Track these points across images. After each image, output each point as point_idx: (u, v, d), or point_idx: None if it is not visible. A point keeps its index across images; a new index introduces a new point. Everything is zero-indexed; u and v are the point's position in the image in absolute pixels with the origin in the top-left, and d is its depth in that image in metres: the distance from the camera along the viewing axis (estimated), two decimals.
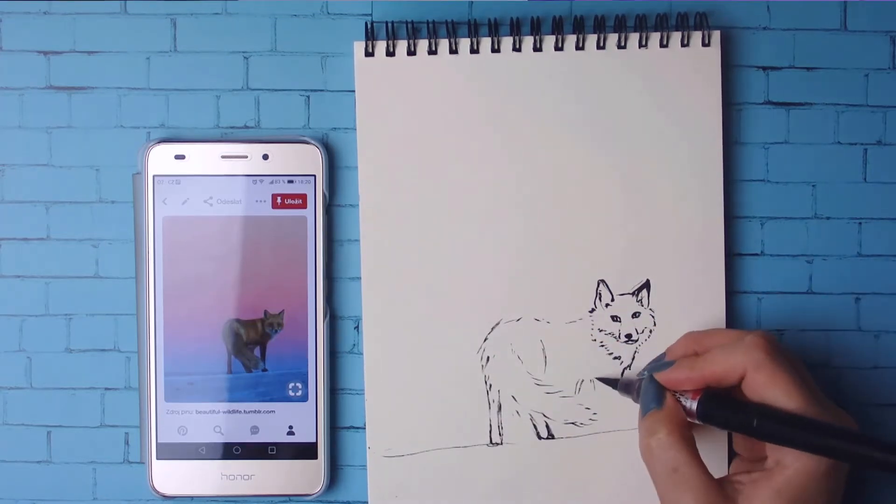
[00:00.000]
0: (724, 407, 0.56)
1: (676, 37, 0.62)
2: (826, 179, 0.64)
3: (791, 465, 0.54)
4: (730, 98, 0.63)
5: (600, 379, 0.62)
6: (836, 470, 0.54)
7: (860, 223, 0.64)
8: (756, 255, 0.64)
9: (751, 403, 0.55)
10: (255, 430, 0.63)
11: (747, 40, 0.64)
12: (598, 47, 0.62)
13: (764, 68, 0.64)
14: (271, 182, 0.63)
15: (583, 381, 0.62)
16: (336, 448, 0.64)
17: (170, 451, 0.62)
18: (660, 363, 0.59)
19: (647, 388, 0.58)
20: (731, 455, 0.62)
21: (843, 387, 0.64)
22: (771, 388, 0.54)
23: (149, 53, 0.64)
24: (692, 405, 0.56)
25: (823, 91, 0.64)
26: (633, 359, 0.62)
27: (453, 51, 0.62)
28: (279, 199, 0.63)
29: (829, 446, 0.53)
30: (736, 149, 0.63)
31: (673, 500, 0.55)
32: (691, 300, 0.62)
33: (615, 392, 0.62)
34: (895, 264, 0.64)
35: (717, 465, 0.61)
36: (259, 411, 0.63)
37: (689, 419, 0.57)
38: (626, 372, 0.62)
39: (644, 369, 0.62)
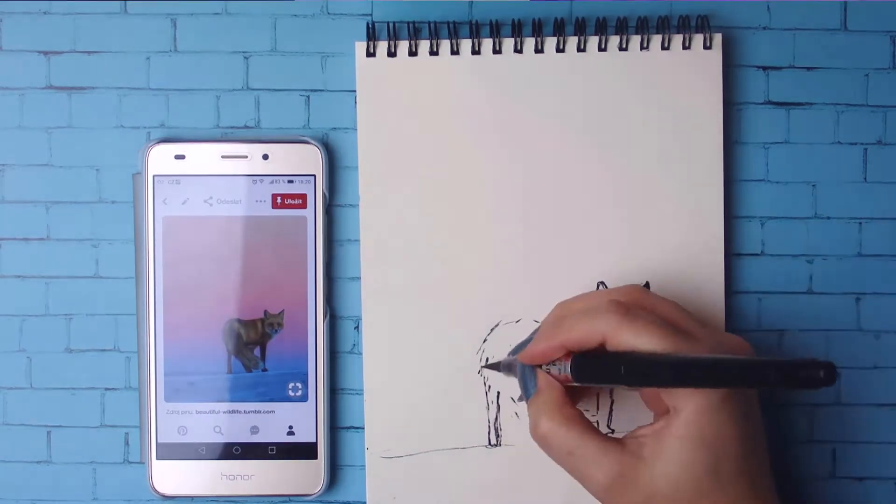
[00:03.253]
0: (594, 363, 0.54)
1: (678, 39, 0.62)
2: (826, 179, 0.64)
3: (684, 406, 0.52)
4: (730, 98, 0.63)
5: (487, 366, 0.62)
6: (735, 398, 0.52)
7: (860, 223, 0.64)
8: (756, 255, 0.64)
9: (620, 353, 0.53)
10: (255, 430, 0.63)
11: (747, 40, 0.64)
12: (600, 49, 0.62)
13: (764, 68, 0.64)
14: (271, 182, 0.63)
15: None
16: (336, 448, 0.64)
17: (170, 451, 0.62)
18: (523, 341, 0.59)
19: (520, 369, 0.58)
20: None
21: (843, 387, 0.64)
22: (635, 343, 0.52)
23: (149, 53, 0.64)
24: (565, 368, 0.55)
25: (823, 91, 0.64)
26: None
27: (454, 52, 0.62)
28: (279, 199, 0.63)
29: (692, 376, 0.50)
30: (736, 149, 0.63)
31: (578, 476, 0.54)
32: (691, 300, 0.62)
33: (615, 393, 0.62)
34: (895, 264, 0.64)
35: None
36: (259, 411, 0.63)
37: (568, 384, 0.56)
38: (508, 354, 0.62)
39: (510, 352, 0.61)
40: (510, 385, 0.62)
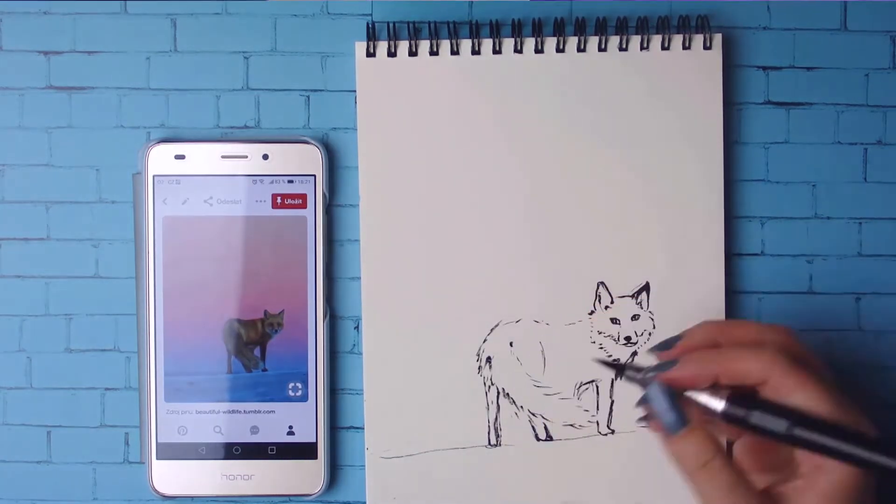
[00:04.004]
0: (756, 409, 0.51)
1: (678, 39, 0.62)
2: (826, 179, 0.64)
3: (834, 469, 0.50)
4: (730, 98, 0.63)
5: (601, 361, 0.57)
6: (874, 476, 0.51)
7: (860, 223, 0.64)
8: (756, 255, 0.64)
9: (785, 407, 0.51)
10: (255, 430, 0.63)
11: (747, 40, 0.64)
12: (600, 49, 0.62)
13: (764, 68, 0.64)
14: (271, 182, 0.63)
15: (582, 383, 0.63)
16: (336, 448, 0.64)
17: (170, 451, 0.63)
18: (664, 363, 0.54)
19: (657, 394, 0.53)
20: None
21: (843, 387, 0.63)
22: (797, 394, 0.51)
23: (149, 53, 0.64)
24: (715, 403, 0.52)
25: (823, 91, 0.64)
26: (631, 361, 0.62)
27: (454, 52, 0.62)
28: (279, 199, 0.63)
29: (867, 459, 0.49)
30: (736, 149, 0.64)
31: None
32: (691, 301, 0.62)
33: (614, 394, 0.62)
34: (895, 264, 0.64)
35: None
36: (259, 411, 0.63)
37: (711, 417, 0.53)
38: (630, 360, 0.61)
39: (647, 369, 0.55)
40: (512, 384, 0.62)
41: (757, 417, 0.51)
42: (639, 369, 0.54)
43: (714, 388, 0.52)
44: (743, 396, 0.51)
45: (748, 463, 0.56)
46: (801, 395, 0.51)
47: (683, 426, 0.52)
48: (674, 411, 0.52)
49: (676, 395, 0.53)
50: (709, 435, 0.52)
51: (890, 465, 0.50)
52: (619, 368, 0.55)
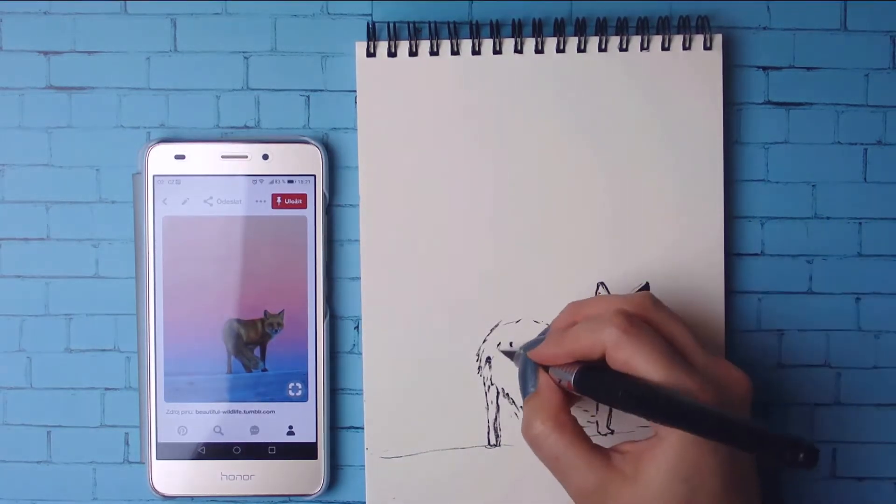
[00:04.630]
0: (596, 381, 0.53)
1: (678, 40, 0.62)
2: (826, 179, 0.64)
3: (667, 436, 0.52)
4: (730, 98, 0.63)
5: (503, 350, 0.62)
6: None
7: (860, 223, 0.64)
8: (756, 255, 0.64)
9: (623, 376, 0.53)
10: (255, 430, 0.63)
11: (747, 40, 0.64)
12: (600, 49, 0.62)
13: (764, 68, 0.64)
14: (271, 182, 0.63)
15: None
16: (336, 448, 0.64)
17: (170, 451, 0.63)
18: (536, 339, 0.59)
19: (524, 365, 0.58)
20: None
21: (843, 387, 0.64)
22: (630, 363, 0.53)
23: (149, 53, 0.64)
24: (569, 379, 0.55)
25: (823, 91, 0.64)
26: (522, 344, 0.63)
27: (455, 52, 0.62)
28: (279, 199, 0.63)
29: (680, 420, 0.51)
30: (736, 149, 0.64)
31: (562, 479, 0.55)
32: (691, 300, 0.62)
33: None
34: (895, 264, 0.64)
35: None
36: (259, 411, 0.63)
37: (570, 391, 0.55)
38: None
39: (522, 346, 0.61)
40: (512, 384, 0.62)
41: (593, 389, 0.54)
42: (515, 353, 0.61)
43: (573, 364, 0.55)
44: (588, 372, 0.54)
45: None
46: (633, 360, 0.53)
47: (530, 391, 0.57)
48: (525, 376, 0.58)
49: (536, 369, 0.57)
50: (549, 401, 0.56)
51: (692, 431, 0.51)
52: (511, 354, 0.62)
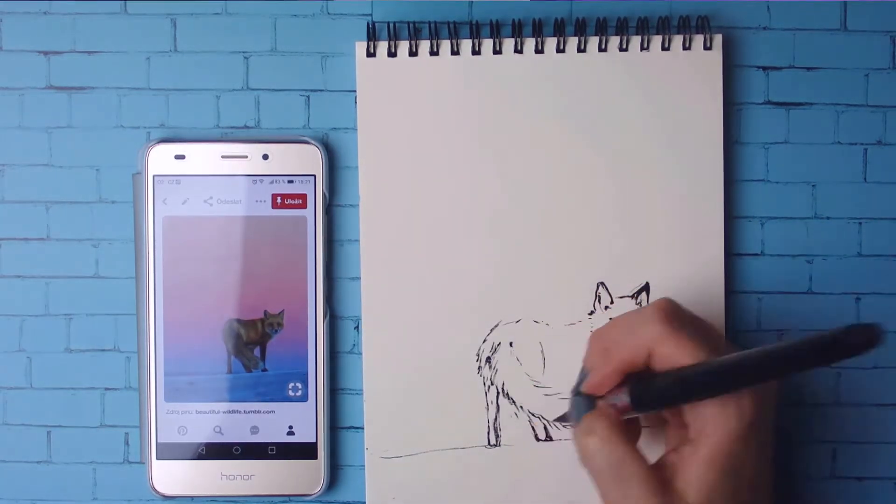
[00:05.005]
0: (650, 386, 0.54)
1: (678, 40, 0.62)
2: (826, 179, 0.64)
3: (712, 432, 0.53)
4: (730, 98, 0.63)
5: (560, 420, 0.63)
6: (758, 427, 0.53)
7: (860, 223, 0.64)
8: (756, 255, 0.64)
9: (670, 372, 0.54)
10: (254, 430, 0.63)
11: (747, 40, 0.64)
12: (600, 49, 0.62)
13: (764, 68, 0.64)
14: (271, 182, 0.63)
15: None
16: (336, 448, 0.64)
17: (170, 451, 0.63)
18: (577, 381, 0.58)
19: (577, 404, 0.57)
20: None
21: (844, 387, 0.64)
22: (678, 356, 0.53)
23: (149, 53, 0.64)
24: (625, 399, 0.55)
25: (823, 91, 0.64)
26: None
27: (455, 52, 0.62)
28: (279, 199, 0.63)
29: (752, 374, 0.51)
30: (736, 149, 0.64)
31: (618, 495, 0.54)
32: (691, 301, 0.62)
33: None
34: (895, 264, 0.64)
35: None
36: (259, 411, 0.63)
37: (628, 415, 0.56)
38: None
39: (572, 391, 0.60)
40: (512, 384, 0.63)
41: (650, 395, 0.54)
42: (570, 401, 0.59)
43: (621, 386, 0.56)
44: (639, 378, 0.55)
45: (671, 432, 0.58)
46: (680, 351, 0.53)
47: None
48: (578, 408, 0.57)
49: (590, 400, 0.57)
50: (602, 420, 0.55)
51: (765, 377, 0.51)
52: (565, 418, 0.62)
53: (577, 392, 0.58)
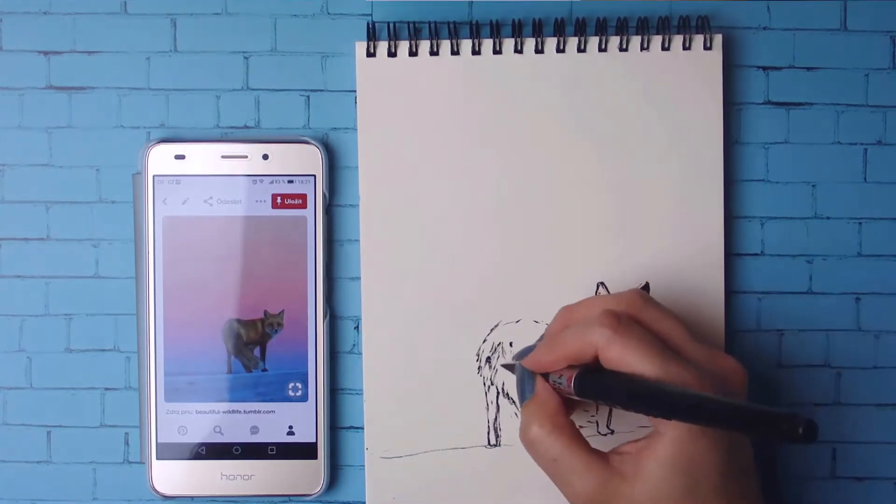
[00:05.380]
0: (594, 382, 0.54)
1: (678, 40, 0.62)
2: (826, 179, 0.64)
3: (666, 431, 0.53)
4: (730, 98, 0.63)
5: (504, 365, 0.62)
6: (720, 434, 0.53)
7: (860, 223, 0.64)
8: (756, 255, 0.64)
9: (620, 375, 0.53)
10: (254, 430, 0.63)
11: (747, 40, 0.64)
12: (600, 49, 0.62)
13: (764, 68, 0.64)
14: (271, 182, 0.63)
15: None
16: (336, 448, 0.64)
17: (170, 451, 0.63)
18: (530, 346, 0.59)
19: (520, 374, 0.58)
20: None
21: (843, 387, 0.64)
22: (626, 361, 0.53)
23: (149, 53, 0.64)
24: (567, 388, 0.55)
25: (823, 91, 0.64)
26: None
27: (455, 52, 0.62)
28: (279, 199, 0.63)
29: (683, 412, 0.50)
30: (736, 149, 0.64)
31: (561, 484, 0.55)
32: (691, 300, 0.62)
33: None
34: (895, 264, 0.64)
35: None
36: (259, 411, 0.63)
37: (571, 396, 0.56)
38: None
39: (515, 355, 0.62)
40: (511, 384, 0.62)
41: (591, 390, 0.54)
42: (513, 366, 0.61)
43: (570, 369, 0.55)
44: (585, 375, 0.55)
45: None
46: (624, 359, 0.53)
47: (526, 398, 0.57)
48: (522, 384, 0.58)
49: (533, 376, 0.58)
50: (546, 407, 0.56)
51: (692, 420, 0.51)
52: (511, 367, 0.62)
53: (517, 359, 0.59)
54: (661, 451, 0.53)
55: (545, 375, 0.57)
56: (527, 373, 0.58)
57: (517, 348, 0.62)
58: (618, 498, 0.53)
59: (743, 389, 0.55)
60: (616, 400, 0.53)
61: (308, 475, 0.63)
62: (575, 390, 0.55)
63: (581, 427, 0.62)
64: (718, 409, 0.49)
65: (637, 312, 0.56)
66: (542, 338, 0.59)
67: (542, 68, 0.62)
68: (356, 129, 0.63)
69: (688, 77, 0.62)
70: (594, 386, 0.54)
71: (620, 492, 0.53)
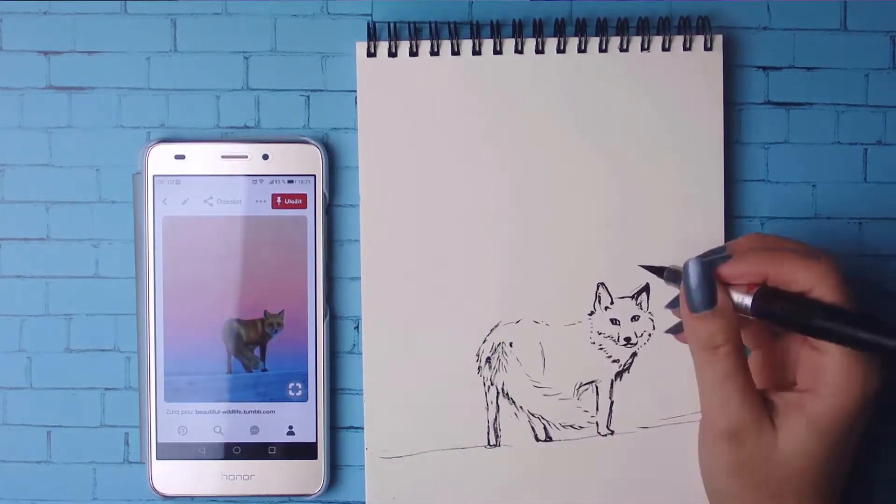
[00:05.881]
0: (783, 302, 0.54)
1: (679, 40, 0.62)
2: (826, 179, 0.64)
3: (827, 397, 0.53)
4: (730, 98, 0.63)
5: (644, 266, 0.60)
6: (866, 409, 0.53)
7: (860, 223, 0.64)
8: None
9: (812, 300, 0.53)
10: (255, 430, 0.63)
11: (747, 40, 0.64)
12: (601, 50, 0.62)
13: (764, 68, 0.64)
14: (271, 182, 0.63)
15: (581, 383, 0.63)
16: (336, 448, 0.64)
17: (170, 451, 0.63)
18: (717, 255, 0.56)
19: (696, 276, 0.55)
20: None
21: None
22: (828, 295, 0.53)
23: (149, 53, 0.64)
24: (744, 299, 0.55)
25: (823, 91, 0.64)
26: (630, 362, 0.63)
27: (455, 52, 0.62)
28: (279, 199, 0.63)
29: (882, 333, 0.51)
30: (736, 149, 0.64)
31: (718, 402, 0.55)
32: None
33: (613, 394, 0.62)
34: (895, 264, 0.64)
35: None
36: (259, 411, 0.63)
37: (738, 313, 0.55)
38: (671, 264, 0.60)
39: (696, 258, 0.56)
40: (512, 384, 0.63)
41: (780, 311, 0.53)
42: (677, 271, 0.58)
43: (749, 286, 0.55)
44: (773, 291, 0.54)
45: (758, 375, 0.58)
46: (832, 294, 0.53)
47: (708, 307, 0.55)
48: (704, 290, 0.55)
49: (716, 284, 0.55)
50: (728, 323, 0.55)
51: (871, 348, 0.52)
52: (660, 271, 0.59)
53: (702, 260, 0.56)
54: (814, 414, 0.53)
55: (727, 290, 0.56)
56: (704, 279, 0.55)
57: (517, 348, 0.62)
58: (763, 440, 0.54)
59: None
60: (802, 320, 0.53)
61: (308, 475, 0.63)
62: (755, 306, 0.54)
63: (580, 427, 0.63)
64: None
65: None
66: (719, 249, 0.57)
67: (543, 68, 0.62)
68: (356, 129, 0.63)
69: (688, 77, 0.62)
70: (783, 302, 0.53)
71: (766, 435, 0.54)
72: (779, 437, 0.54)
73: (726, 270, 0.55)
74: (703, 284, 0.55)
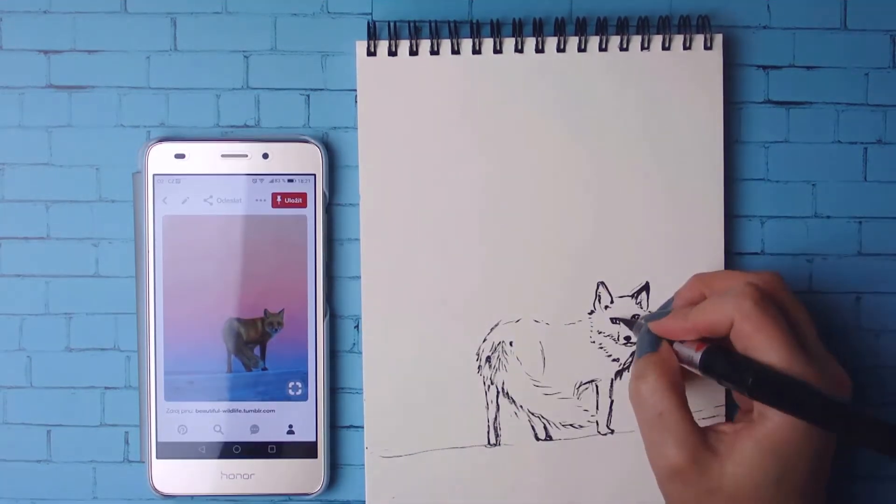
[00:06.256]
0: (724, 363, 0.55)
1: (679, 39, 0.62)
2: (826, 179, 0.64)
3: (772, 417, 0.53)
4: (730, 97, 0.63)
5: (616, 319, 0.62)
6: (816, 431, 0.53)
7: (860, 223, 0.64)
8: (756, 254, 0.64)
9: (751, 361, 0.54)
10: (254, 429, 0.63)
11: (747, 40, 0.64)
12: (601, 49, 0.62)
13: (764, 67, 0.64)
14: (271, 181, 0.63)
15: (581, 382, 0.63)
16: (336, 447, 0.64)
17: (170, 451, 0.63)
18: (659, 311, 0.59)
19: (643, 335, 0.58)
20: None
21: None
22: (754, 339, 0.53)
23: (149, 52, 0.64)
24: (695, 356, 0.56)
25: (823, 90, 0.64)
26: (631, 361, 0.63)
27: (455, 51, 0.62)
28: (279, 198, 0.63)
29: (819, 417, 0.52)
30: (736, 148, 0.64)
31: (654, 444, 0.55)
32: None
33: (613, 393, 0.62)
34: (895, 264, 0.64)
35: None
36: (259, 410, 0.63)
37: (689, 368, 0.56)
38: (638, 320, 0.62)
39: (644, 316, 0.62)
40: (511, 383, 0.63)
41: (721, 371, 0.55)
42: (638, 325, 0.61)
43: (696, 343, 0.56)
44: (718, 351, 0.55)
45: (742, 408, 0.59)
46: (756, 341, 0.53)
47: (643, 354, 0.58)
48: (642, 341, 0.58)
49: (659, 338, 0.58)
50: (666, 360, 0.56)
51: (841, 425, 0.52)
52: (631, 324, 0.62)
53: (646, 321, 0.59)
54: (763, 434, 0.53)
55: (671, 343, 0.57)
56: (652, 337, 0.58)
57: (517, 348, 0.62)
58: (706, 474, 0.54)
59: (848, 400, 0.56)
60: (739, 383, 0.53)
61: (308, 474, 0.63)
62: (701, 365, 0.55)
63: (580, 426, 0.63)
64: (849, 418, 0.51)
65: (774, 292, 0.56)
66: (668, 303, 0.60)
67: (543, 68, 0.62)
68: (356, 129, 0.63)
69: (688, 76, 0.62)
70: (722, 365, 0.54)
71: (710, 468, 0.54)
72: (728, 465, 0.53)
73: (661, 328, 0.58)
74: (646, 338, 0.58)
